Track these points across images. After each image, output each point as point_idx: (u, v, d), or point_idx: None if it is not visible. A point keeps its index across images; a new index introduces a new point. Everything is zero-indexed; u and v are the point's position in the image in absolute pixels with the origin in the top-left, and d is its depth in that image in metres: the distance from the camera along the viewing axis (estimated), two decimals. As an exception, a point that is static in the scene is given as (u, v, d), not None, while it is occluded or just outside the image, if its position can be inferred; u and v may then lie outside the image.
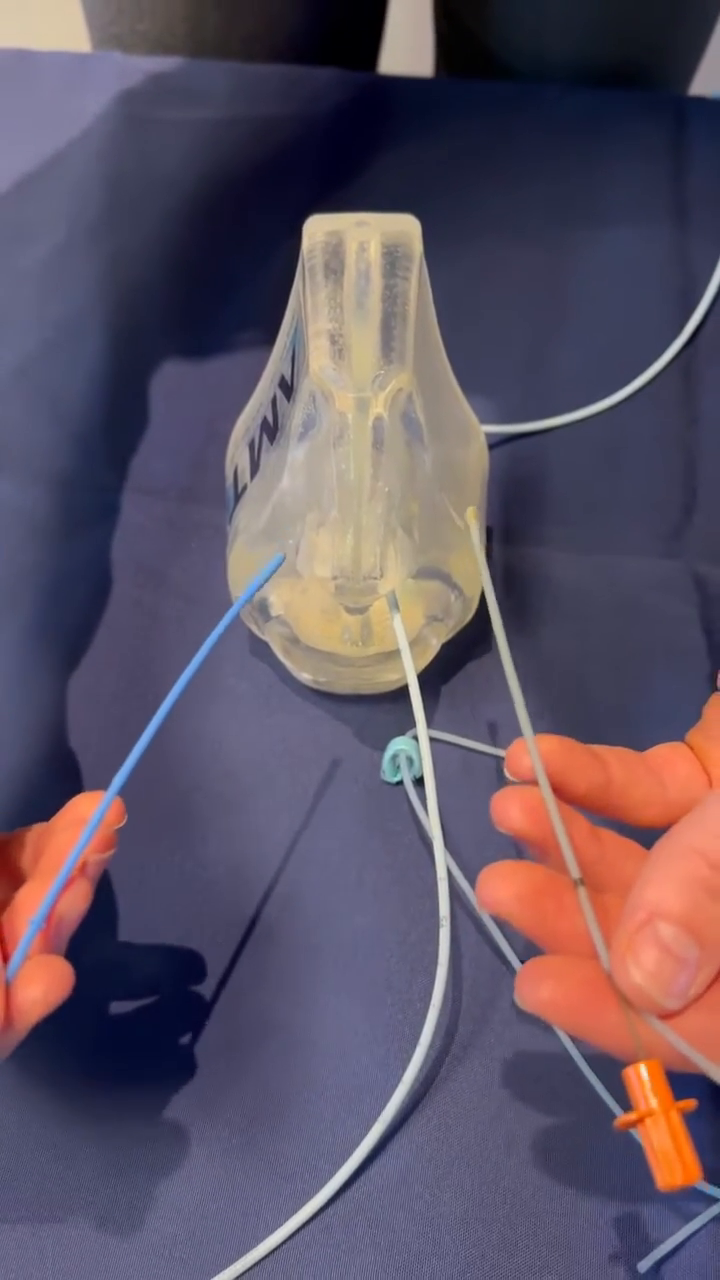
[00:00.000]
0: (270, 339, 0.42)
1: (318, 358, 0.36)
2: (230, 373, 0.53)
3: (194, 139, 0.62)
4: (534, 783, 0.30)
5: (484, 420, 0.47)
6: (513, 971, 0.39)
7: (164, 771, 0.42)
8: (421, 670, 0.41)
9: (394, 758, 0.41)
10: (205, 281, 0.57)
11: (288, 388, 0.39)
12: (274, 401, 0.40)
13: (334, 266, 0.37)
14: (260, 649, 0.45)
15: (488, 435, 0.48)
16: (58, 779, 0.42)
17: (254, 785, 0.42)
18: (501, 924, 0.39)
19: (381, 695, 0.44)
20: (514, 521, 0.49)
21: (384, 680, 0.43)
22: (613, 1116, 0.36)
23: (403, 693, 0.42)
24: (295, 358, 0.39)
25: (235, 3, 0.66)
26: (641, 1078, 0.26)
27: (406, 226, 0.38)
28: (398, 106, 0.64)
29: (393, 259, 0.37)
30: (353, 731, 0.44)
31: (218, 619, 0.38)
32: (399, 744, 0.41)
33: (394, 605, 0.39)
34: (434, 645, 0.43)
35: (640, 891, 0.27)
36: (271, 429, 0.40)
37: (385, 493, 0.36)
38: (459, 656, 0.45)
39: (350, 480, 0.36)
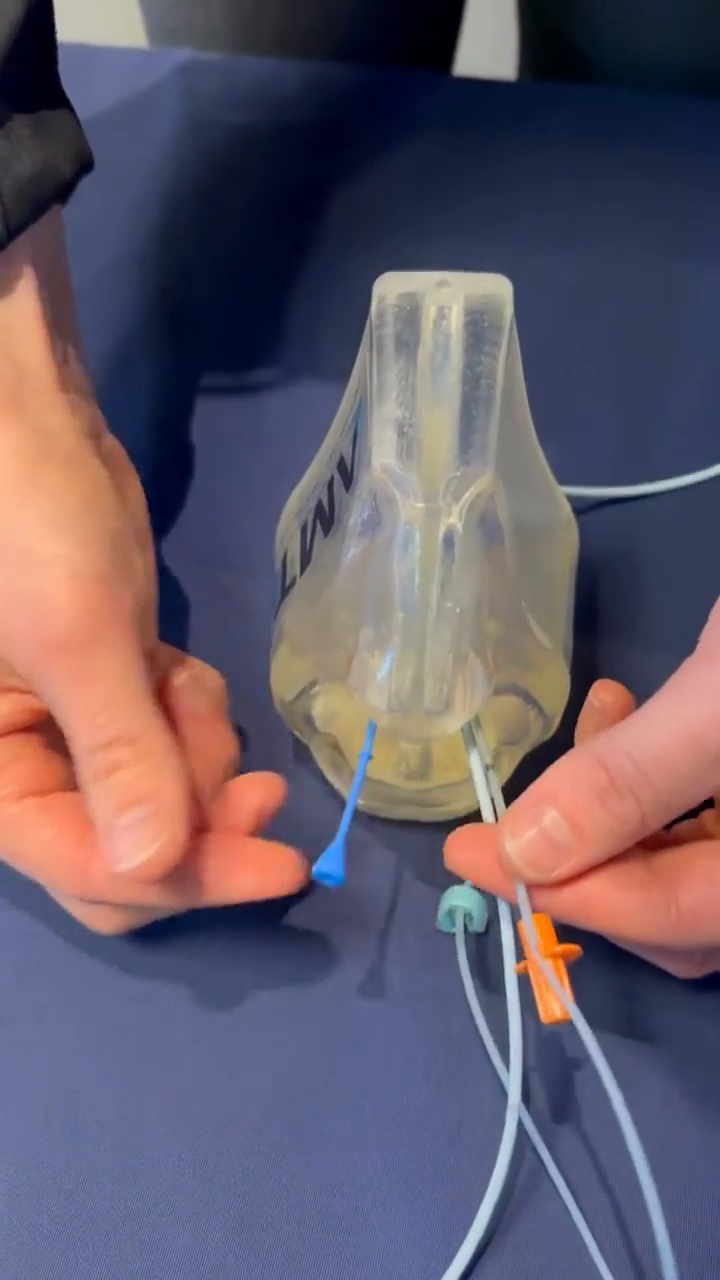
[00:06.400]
0: (333, 386, 0.36)
1: (382, 453, 0.30)
2: (287, 429, 0.47)
3: (258, 147, 0.56)
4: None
5: (572, 481, 0.41)
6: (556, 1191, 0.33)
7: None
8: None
9: (450, 913, 0.35)
10: (263, 316, 0.50)
11: (347, 473, 0.33)
12: (330, 484, 0.34)
13: (407, 338, 0.31)
14: (304, 752, 0.39)
15: (574, 499, 0.42)
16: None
17: (288, 924, 0.36)
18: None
19: (444, 820, 0.37)
20: (602, 610, 0.42)
21: (448, 810, 0.37)
22: None
23: (471, 819, 0.36)
24: (357, 439, 0.33)
25: None
26: (526, 928, 0.30)
27: (495, 288, 0.31)
28: (478, 113, 0.57)
29: (477, 330, 0.31)
30: (409, 866, 0.37)
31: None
32: (455, 898, 0.35)
33: (470, 740, 0.33)
34: (507, 770, 0.37)
35: (539, 780, 0.30)
36: (326, 517, 0.34)
37: (455, 614, 0.30)
38: (535, 775, 0.39)
39: (414, 601, 0.30)
